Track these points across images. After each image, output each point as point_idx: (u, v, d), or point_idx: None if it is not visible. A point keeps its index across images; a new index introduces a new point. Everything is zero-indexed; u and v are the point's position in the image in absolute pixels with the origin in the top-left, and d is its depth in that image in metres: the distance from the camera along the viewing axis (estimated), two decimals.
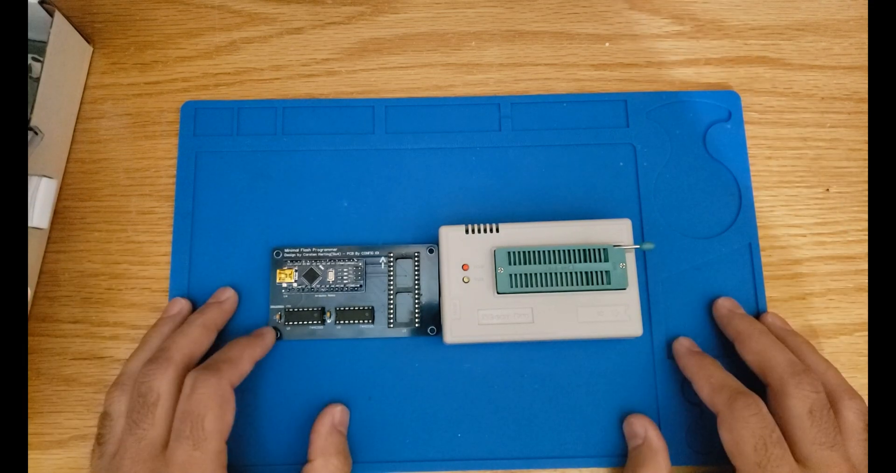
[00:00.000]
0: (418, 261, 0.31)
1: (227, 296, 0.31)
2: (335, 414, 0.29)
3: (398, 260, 0.31)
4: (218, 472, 0.24)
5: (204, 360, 0.28)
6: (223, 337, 0.30)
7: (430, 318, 0.31)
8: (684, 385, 0.30)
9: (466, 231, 0.30)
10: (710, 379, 0.27)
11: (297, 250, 0.31)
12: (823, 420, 0.25)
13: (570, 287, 0.29)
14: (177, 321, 0.30)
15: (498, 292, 0.29)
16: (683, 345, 0.30)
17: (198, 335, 0.28)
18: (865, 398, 0.28)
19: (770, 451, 0.24)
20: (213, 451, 0.24)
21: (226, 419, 0.25)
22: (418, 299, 0.31)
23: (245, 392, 0.30)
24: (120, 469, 0.24)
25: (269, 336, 0.30)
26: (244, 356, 0.28)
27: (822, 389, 0.26)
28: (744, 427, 0.25)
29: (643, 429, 0.28)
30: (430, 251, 0.31)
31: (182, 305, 0.30)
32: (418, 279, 0.31)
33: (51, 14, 0.31)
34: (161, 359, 0.26)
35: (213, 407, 0.25)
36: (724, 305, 0.31)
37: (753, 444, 0.24)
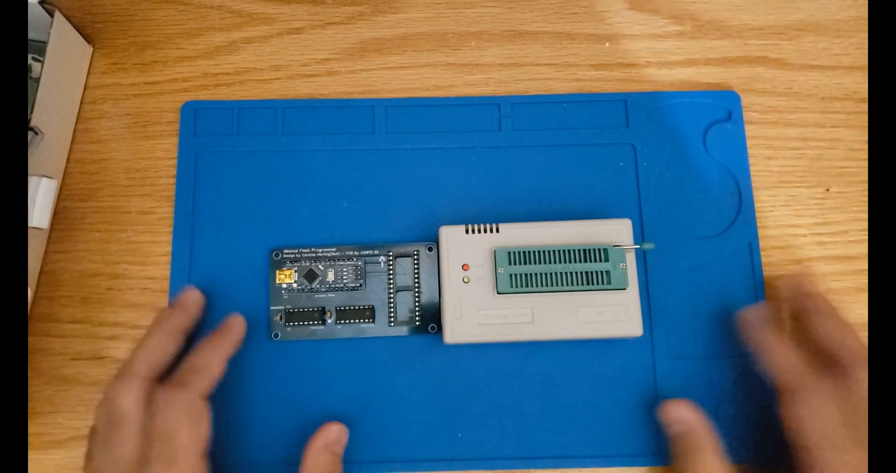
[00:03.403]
0: (417, 259, 0.31)
1: (192, 299, 0.30)
2: (331, 433, 0.28)
3: (397, 259, 0.31)
4: None
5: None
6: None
7: (431, 316, 0.31)
8: (684, 386, 0.30)
9: (466, 231, 0.30)
10: (784, 356, 0.27)
11: (297, 251, 0.31)
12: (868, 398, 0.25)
13: (570, 287, 0.29)
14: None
15: (498, 292, 0.29)
16: (755, 314, 0.29)
17: (160, 344, 0.27)
18: None
19: (844, 433, 0.25)
20: (189, 468, 0.24)
21: (200, 434, 0.25)
22: (418, 297, 0.31)
23: (246, 394, 0.30)
24: None
25: (236, 328, 0.29)
26: (213, 361, 0.27)
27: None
28: (820, 405, 0.25)
29: (687, 413, 0.28)
30: (430, 250, 0.31)
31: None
32: (418, 278, 0.31)
33: (51, 14, 0.31)
34: (125, 375, 0.25)
35: (184, 424, 0.24)
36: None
37: (833, 423, 0.25)
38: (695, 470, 0.27)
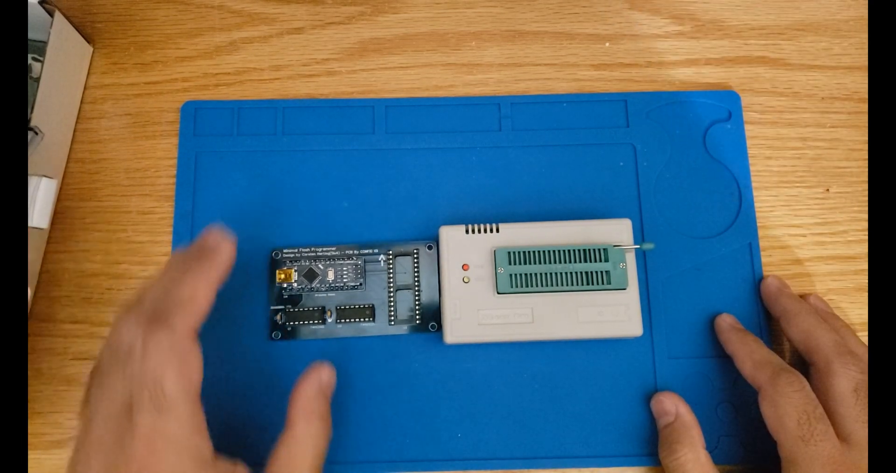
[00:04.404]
0: (417, 258, 0.31)
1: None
2: (322, 375, 0.26)
3: (397, 258, 0.31)
4: (194, 437, 0.22)
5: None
6: None
7: (431, 314, 0.31)
8: (684, 386, 0.30)
9: (466, 231, 0.30)
10: (752, 355, 0.28)
11: (296, 250, 0.31)
12: (867, 399, 0.25)
13: (570, 287, 0.29)
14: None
15: (498, 292, 0.29)
16: (726, 321, 0.30)
17: (177, 279, 0.24)
18: None
19: (814, 426, 0.25)
20: (184, 414, 0.21)
21: (191, 377, 0.22)
22: (418, 295, 0.31)
23: (245, 394, 0.30)
24: (91, 424, 0.22)
25: (223, 247, 0.25)
26: (198, 291, 0.24)
27: (867, 370, 0.26)
28: (787, 402, 0.26)
29: (674, 406, 0.29)
30: (430, 248, 0.31)
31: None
32: (418, 276, 0.31)
33: (51, 14, 0.31)
34: (134, 311, 0.23)
35: (170, 368, 0.22)
36: (773, 283, 0.31)
37: (797, 419, 0.25)
38: (675, 462, 0.27)
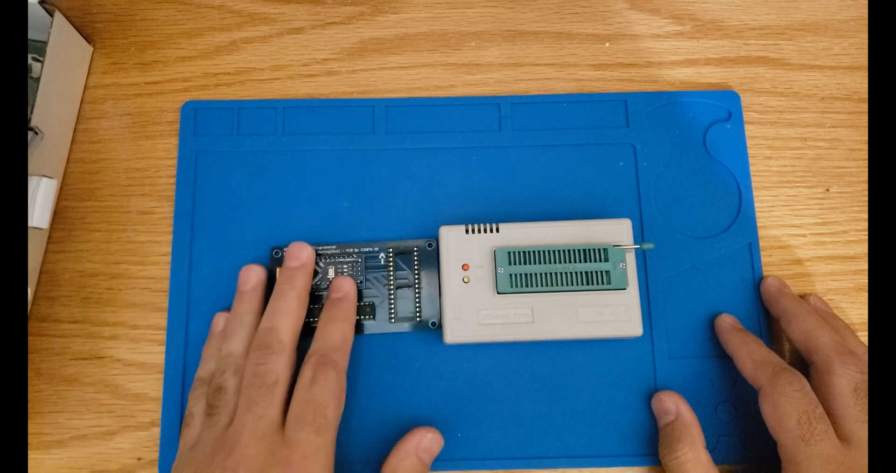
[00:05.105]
0: (417, 256, 0.31)
1: (307, 254, 0.30)
2: (423, 439, 0.28)
3: (397, 256, 0.31)
4: (331, 456, 0.26)
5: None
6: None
7: (431, 312, 0.31)
8: (684, 386, 0.30)
9: (466, 231, 0.30)
10: (752, 355, 0.28)
11: None
12: (868, 399, 0.25)
13: (570, 287, 0.29)
14: (260, 294, 0.30)
15: (498, 292, 0.29)
16: (726, 321, 0.30)
17: (297, 310, 0.28)
18: None
19: (813, 426, 0.25)
20: (331, 438, 0.26)
21: (341, 409, 0.27)
22: (418, 294, 0.31)
23: None
24: (238, 442, 0.25)
25: (350, 292, 0.30)
26: (348, 333, 0.29)
27: (867, 370, 0.26)
28: (787, 401, 0.26)
29: (674, 405, 0.29)
30: (430, 246, 0.31)
31: (258, 274, 0.30)
32: (418, 274, 0.31)
33: (51, 14, 0.31)
34: (274, 344, 0.27)
35: (333, 399, 0.26)
36: (773, 283, 0.31)
37: (797, 418, 0.25)
38: (675, 460, 0.27)
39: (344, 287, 0.30)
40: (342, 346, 0.28)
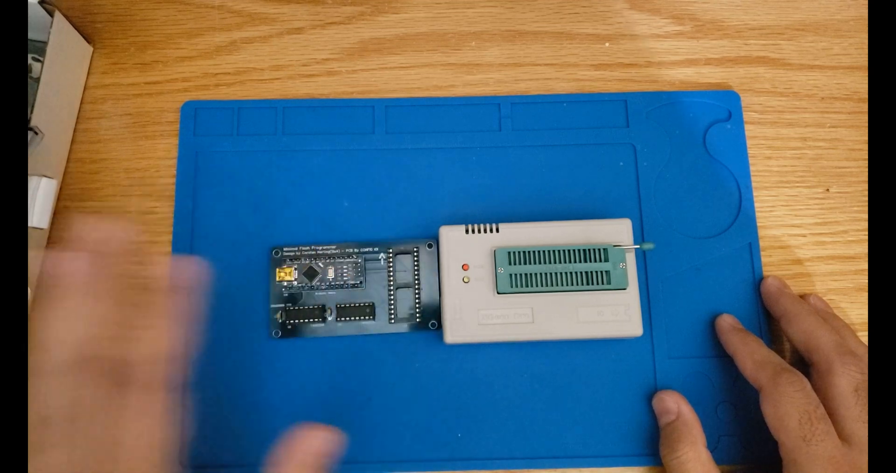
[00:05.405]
0: (417, 256, 0.31)
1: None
2: (312, 443, 0.22)
3: (397, 256, 0.31)
4: None
5: None
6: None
7: (431, 313, 0.31)
8: (684, 386, 0.30)
9: (466, 231, 0.30)
10: (753, 355, 0.28)
11: (297, 249, 0.31)
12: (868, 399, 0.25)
13: (570, 287, 0.29)
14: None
15: (498, 292, 0.29)
16: (726, 321, 0.30)
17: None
18: None
19: (815, 426, 0.25)
20: None
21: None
22: (418, 294, 0.31)
23: (246, 392, 0.30)
24: None
25: (184, 290, 0.24)
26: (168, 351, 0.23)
27: (867, 370, 0.26)
28: (788, 402, 0.26)
29: (675, 405, 0.29)
30: (430, 246, 0.31)
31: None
32: (418, 275, 0.31)
33: (51, 14, 0.31)
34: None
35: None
36: (774, 283, 0.31)
37: (798, 419, 0.25)
38: (676, 460, 0.27)
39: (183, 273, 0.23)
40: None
